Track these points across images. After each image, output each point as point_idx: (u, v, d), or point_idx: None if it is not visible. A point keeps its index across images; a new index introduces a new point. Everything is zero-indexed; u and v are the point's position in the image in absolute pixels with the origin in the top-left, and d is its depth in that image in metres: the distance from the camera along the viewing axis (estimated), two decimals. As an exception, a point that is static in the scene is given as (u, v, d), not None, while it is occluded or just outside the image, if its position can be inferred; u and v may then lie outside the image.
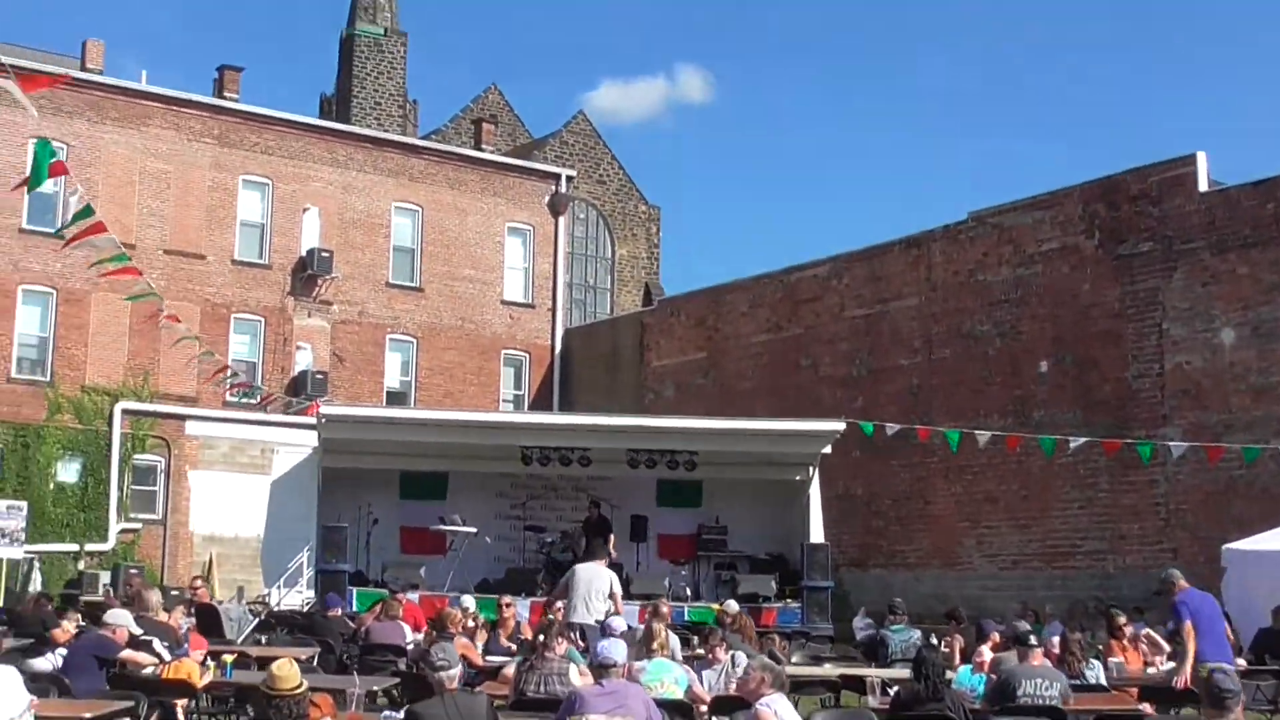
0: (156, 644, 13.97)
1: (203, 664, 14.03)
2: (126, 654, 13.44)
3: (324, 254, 40.34)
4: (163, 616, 15.67)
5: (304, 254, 40.49)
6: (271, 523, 30.56)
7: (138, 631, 13.94)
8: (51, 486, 36.50)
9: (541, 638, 13.54)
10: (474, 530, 28.22)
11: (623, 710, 10.14)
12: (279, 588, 28.50)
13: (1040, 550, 31.07)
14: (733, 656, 14.70)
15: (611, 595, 19.42)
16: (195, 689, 13.38)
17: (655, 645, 14.02)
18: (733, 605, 21.17)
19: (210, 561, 37.05)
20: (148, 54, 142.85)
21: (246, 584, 34.20)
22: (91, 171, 37.53)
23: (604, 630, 16.15)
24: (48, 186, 37.13)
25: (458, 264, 43.17)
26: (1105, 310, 30.07)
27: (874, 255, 35.63)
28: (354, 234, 41.56)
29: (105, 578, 34.06)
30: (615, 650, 10.78)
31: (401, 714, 11.15)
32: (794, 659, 18.53)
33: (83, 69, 42.86)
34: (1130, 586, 28.54)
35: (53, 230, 37.16)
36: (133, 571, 33.86)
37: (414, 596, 24.03)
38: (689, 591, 27.90)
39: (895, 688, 13.52)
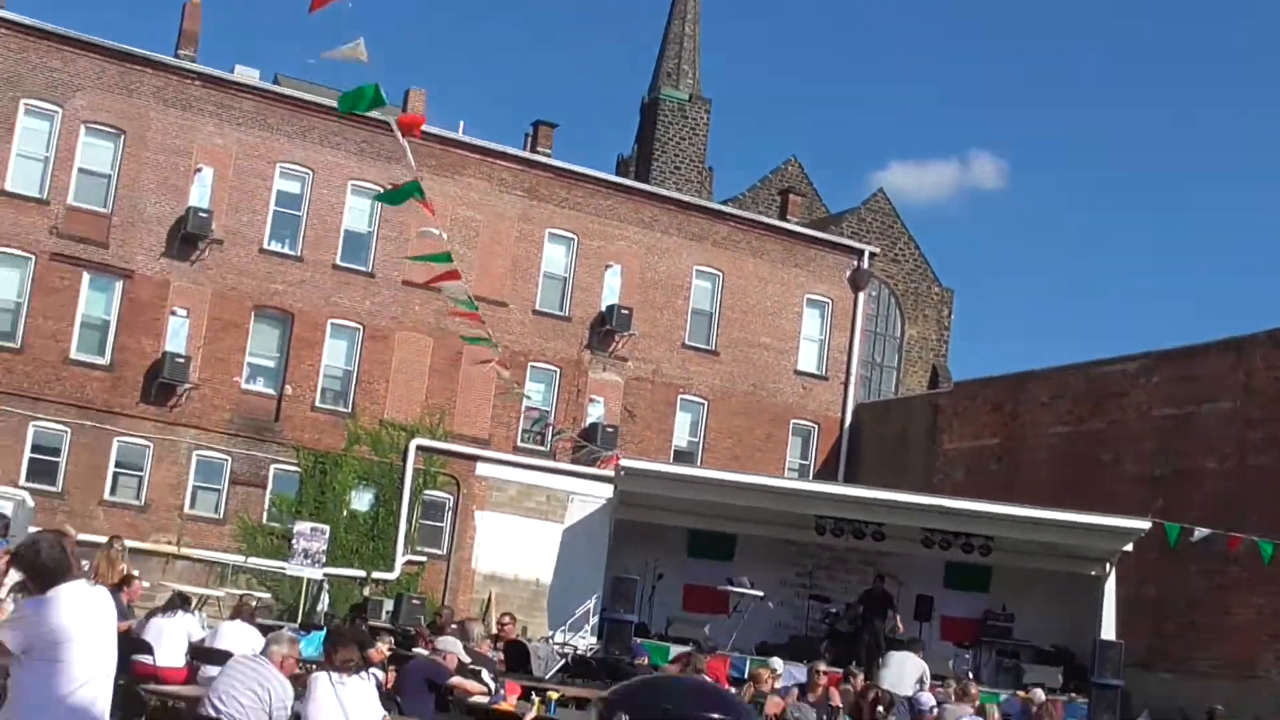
0: (485, 674, 13.98)
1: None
2: (457, 680, 13.47)
3: (623, 311, 40.62)
4: (484, 648, 15.72)
5: (603, 310, 40.86)
6: (561, 568, 30.71)
7: (467, 660, 13.98)
8: (345, 514, 37.37)
9: (868, 703, 13.25)
10: (761, 594, 27.98)
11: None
12: (564, 631, 28.57)
13: (1348, 674, 29.52)
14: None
15: (920, 681, 19.06)
16: (520, 720, 13.35)
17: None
18: (1039, 694, 20.56)
19: (489, 600, 37.49)
20: (463, 108, 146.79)
21: (526, 625, 34.45)
22: (405, 215, 38.47)
23: (912, 705, 15.78)
24: (362, 228, 38.58)
25: (754, 331, 43.06)
26: None
27: (1188, 355, 34.49)
28: (654, 294, 41.78)
29: (388, 605, 34.61)
30: (948, 716, 10.38)
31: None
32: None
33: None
34: None
35: (365, 269, 38.32)
36: (416, 602, 34.36)
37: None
38: (970, 676, 27.10)
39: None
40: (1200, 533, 26.84)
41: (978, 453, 39.77)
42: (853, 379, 44.76)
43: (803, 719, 10.32)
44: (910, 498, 30.04)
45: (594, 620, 27.89)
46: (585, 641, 27.90)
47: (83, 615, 6.80)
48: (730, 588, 28.23)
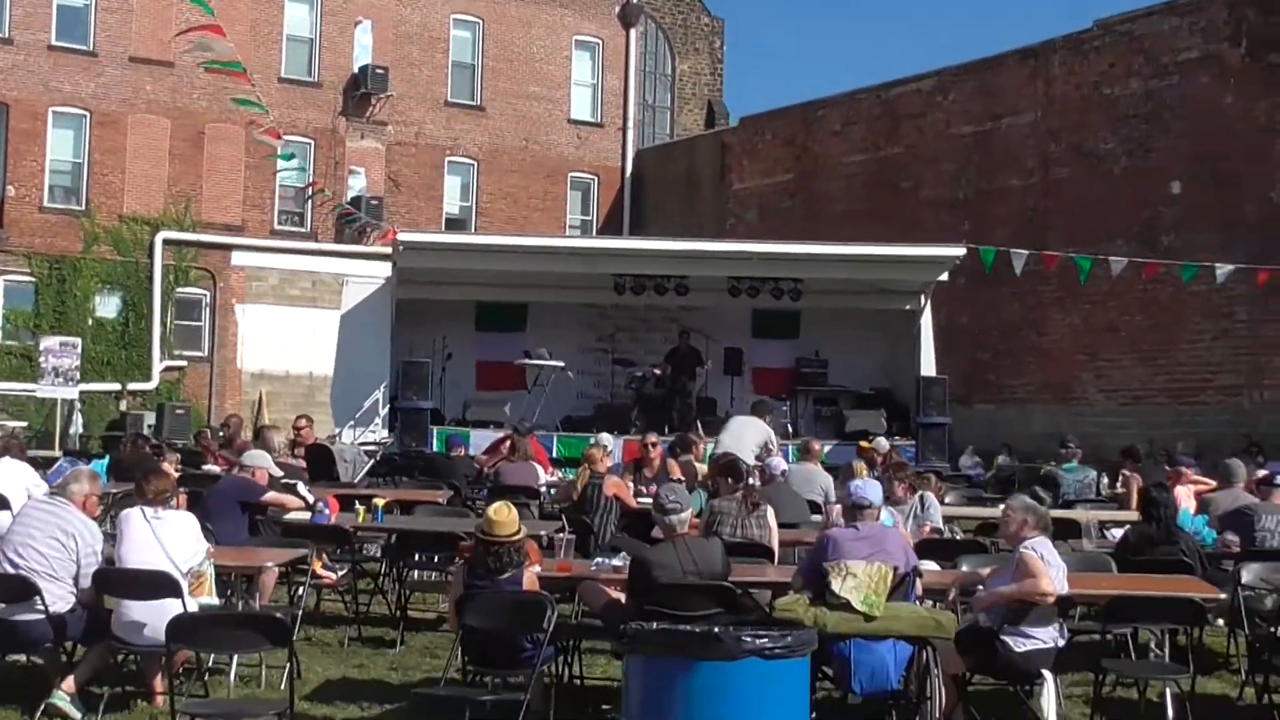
0: (301, 487, 13.52)
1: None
2: (273, 497, 12.98)
3: (378, 71, 39.36)
4: (285, 458, 15.24)
5: (356, 71, 39.56)
6: (341, 358, 29.95)
7: (278, 473, 13.49)
8: (90, 323, 35.99)
9: (728, 479, 13.08)
10: (561, 364, 27.71)
11: (881, 554, 9.62)
12: (351, 428, 28.01)
13: (1166, 385, 30.52)
14: (921, 497, 14.20)
15: (765, 447, 19.01)
16: (350, 534, 12.93)
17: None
18: (883, 443, 20.72)
19: (260, 400, 36.73)
20: None
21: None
22: (130, -12, 36.70)
23: (765, 471, 15.69)
24: (77, 0, 36.53)
25: (522, 81, 42.19)
26: (1251, 124, 29.12)
27: (985, 68, 34.65)
28: (410, 49, 40.53)
29: (149, 418, 33.75)
30: (870, 491, 10.20)
31: (618, 559, 10.68)
32: (948, 500, 17.89)
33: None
34: (1269, 424, 28.01)
35: (85, 47, 36.42)
36: (180, 412, 33.57)
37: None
38: (789, 429, 27.38)
39: (1122, 530, 13.03)
40: (1018, 255, 27.13)
41: (771, 191, 39.81)
42: (630, 124, 44.37)
43: (676, 499, 10.00)
44: (714, 245, 29.90)
45: (384, 412, 27.37)
46: (377, 435, 27.48)
47: None
48: (527, 361, 27.89)
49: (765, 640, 7.26)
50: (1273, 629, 11.00)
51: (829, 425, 28.30)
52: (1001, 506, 10.93)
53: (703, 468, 17.96)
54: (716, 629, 7.41)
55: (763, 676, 7.28)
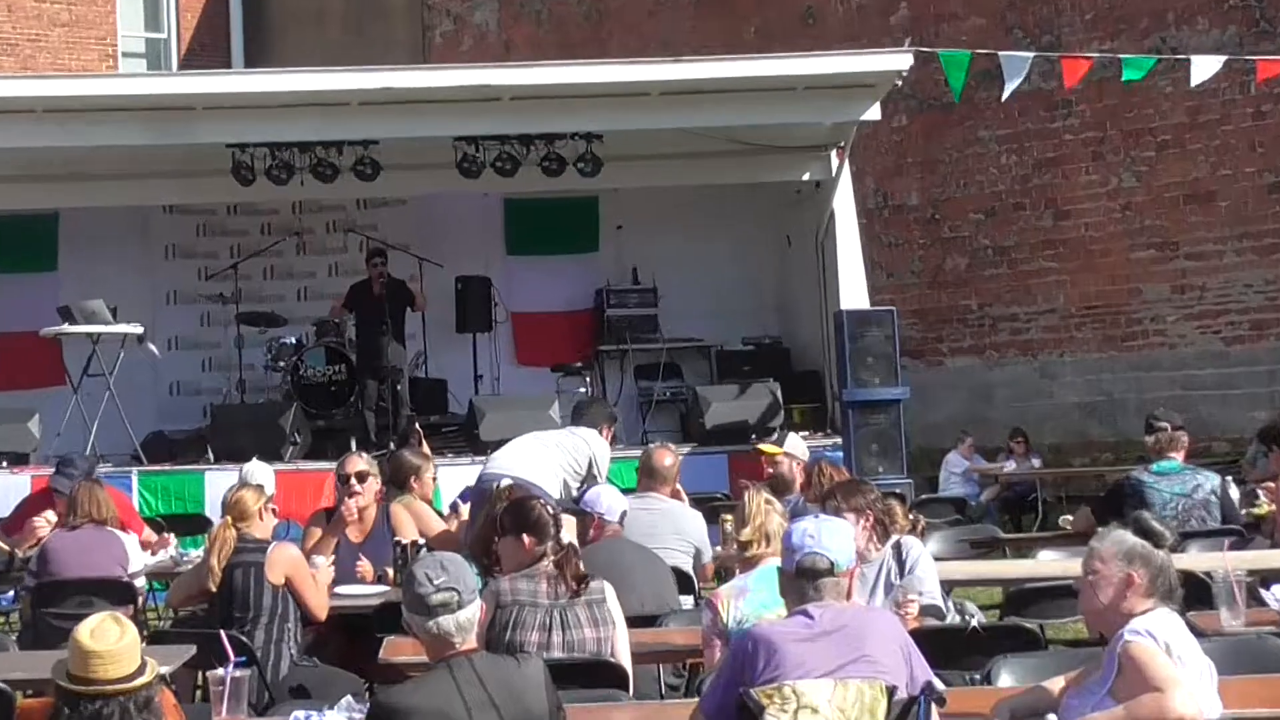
0: None
1: None
2: None
3: None
4: None
5: None
6: None
7: None
8: None
9: (523, 535, 12.87)
10: (139, 330, 27.41)
11: (863, 664, 9.51)
12: None
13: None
14: (897, 546, 14.21)
15: (583, 471, 19.04)
16: None
17: (754, 537, 13.33)
18: (798, 444, 20.62)
19: None
20: None
21: None
22: None
23: (589, 516, 15.56)
24: None
25: None
26: None
27: None
28: None
29: None
30: (833, 535, 9.95)
31: (338, 712, 10.60)
32: (931, 547, 18.06)
33: None
34: None
35: None
36: None
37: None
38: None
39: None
40: (1013, 65, 27.13)
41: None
42: None
43: (449, 582, 9.81)
44: (419, 77, 29.18)
45: None
46: None
47: None
48: (65, 329, 27.49)
49: None
50: None
51: (669, 417, 28.54)
52: (1082, 554, 10.71)
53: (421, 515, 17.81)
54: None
55: None
